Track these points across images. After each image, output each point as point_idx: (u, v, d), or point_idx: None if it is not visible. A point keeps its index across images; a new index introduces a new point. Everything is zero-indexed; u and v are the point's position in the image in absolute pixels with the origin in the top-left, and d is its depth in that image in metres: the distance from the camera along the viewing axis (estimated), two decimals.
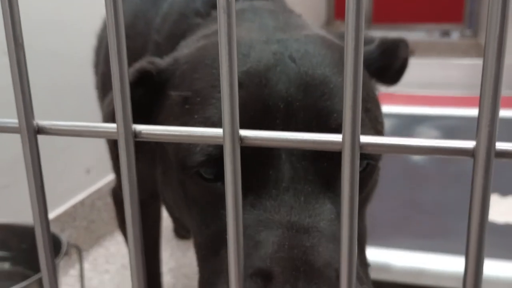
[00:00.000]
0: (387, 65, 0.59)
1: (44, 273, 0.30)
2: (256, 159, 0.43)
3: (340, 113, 0.44)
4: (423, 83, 2.00)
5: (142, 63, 0.53)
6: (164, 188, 0.57)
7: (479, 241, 0.23)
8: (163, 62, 0.54)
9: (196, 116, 0.46)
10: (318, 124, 0.44)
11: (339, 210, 0.42)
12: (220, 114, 0.31)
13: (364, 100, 0.47)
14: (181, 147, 0.46)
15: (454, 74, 1.99)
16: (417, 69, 1.91)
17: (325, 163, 0.44)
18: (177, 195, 0.51)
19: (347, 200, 0.24)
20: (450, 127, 1.48)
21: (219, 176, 0.45)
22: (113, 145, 0.76)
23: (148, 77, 0.53)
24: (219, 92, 0.35)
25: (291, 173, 0.43)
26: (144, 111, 0.54)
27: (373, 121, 0.49)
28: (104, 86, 0.79)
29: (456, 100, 1.82)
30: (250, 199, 0.43)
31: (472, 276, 0.22)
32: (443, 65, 2.08)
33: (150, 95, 0.54)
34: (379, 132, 0.51)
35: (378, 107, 0.54)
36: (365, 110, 0.48)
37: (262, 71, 0.46)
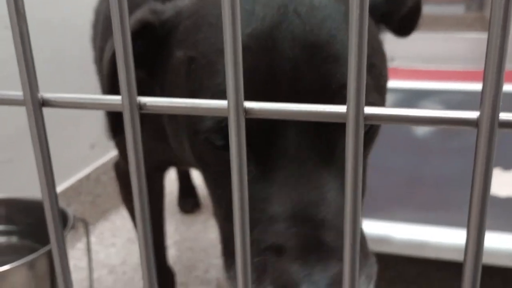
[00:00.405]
0: (394, 11, 0.57)
1: (53, 245, 0.30)
2: (263, 127, 0.43)
3: (344, 75, 0.44)
4: (427, 57, 1.99)
5: (144, 12, 0.52)
6: (177, 148, 0.57)
7: (481, 211, 0.23)
8: (165, 12, 0.52)
9: (206, 82, 0.46)
10: (322, 88, 0.44)
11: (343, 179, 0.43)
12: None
13: (368, 56, 0.47)
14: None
15: (459, 48, 1.97)
16: (421, 43, 1.89)
17: (330, 131, 0.44)
18: (190, 157, 0.52)
19: (351, 172, 0.24)
20: (454, 101, 1.47)
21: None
22: (113, 118, 0.76)
23: (151, 29, 0.52)
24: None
25: (297, 142, 0.43)
26: (146, 62, 0.53)
27: (377, 78, 0.49)
28: (102, 61, 0.78)
29: (461, 74, 1.81)
30: (259, 171, 0.44)
31: (473, 244, 0.22)
32: (447, 39, 2.06)
33: (153, 47, 0.53)
34: (381, 87, 0.51)
35: (383, 59, 0.53)
36: (370, 66, 0.47)
37: (267, 31, 0.45)
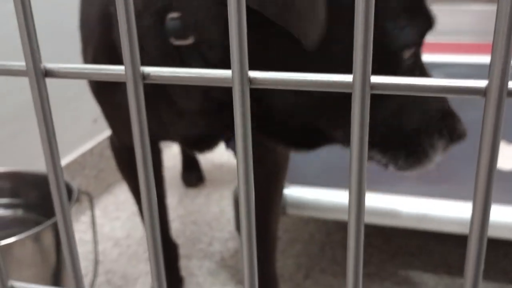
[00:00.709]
0: None
1: (58, 216, 0.31)
2: None
3: None
4: (433, 31, 1.96)
5: None
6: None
7: (488, 181, 0.23)
8: None
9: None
10: None
11: None
12: None
13: None
14: None
15: (465, 20, 1.94)
16: None
17: None
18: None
19: (357, 142, 0.24)
20: (460, 75, 1.46)
21: None
22: (98, 90, 0.74)
23: None
24: None
25: None
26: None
27: None
28: (83, 24, 0.76)
29: (467, 47, 1.79)
30: None
31: (479, 212, 0.22)
32: (453, 11, 2.03)
33: None
34: None
35: None
36: None
37: None
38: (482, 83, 0.22)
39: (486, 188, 0.22)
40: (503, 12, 0.21)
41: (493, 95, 0.22)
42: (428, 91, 0.23)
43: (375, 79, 0.24)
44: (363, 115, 0.23)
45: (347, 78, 0.24)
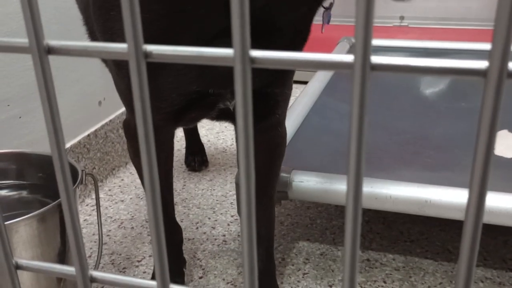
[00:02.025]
0: None
1: (62, 194, 0.31)
2: None
3: None
4: (438, 16, 1.95)
5: None
6: None
7: (485, 162, 0.23)
8: None
9: None
10: None
11: None
12: None
13: None
14: None
15: (472, 6, 1.92)
16: (433, 1, 1.84)
17: None
18: None
19: (356, 122, 0.24)
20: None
21: None
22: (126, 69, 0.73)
23: None
24: None
25: None
26: None
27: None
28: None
29: (473, 34, 1.77)
30: None
31: (476, 192, 0.23)
32: None
33: None
34: None
35: None
36: None
37: None
38: (482, 64, 0.22)
39: (483, 169, 0.23)
40: None
41: (493, 77, 0.22)
42: (429, 71, 0.24)
43: (376, 59, 0.24)
44: (363, 94, 0.24)
45: (348, 58, 0.24)
